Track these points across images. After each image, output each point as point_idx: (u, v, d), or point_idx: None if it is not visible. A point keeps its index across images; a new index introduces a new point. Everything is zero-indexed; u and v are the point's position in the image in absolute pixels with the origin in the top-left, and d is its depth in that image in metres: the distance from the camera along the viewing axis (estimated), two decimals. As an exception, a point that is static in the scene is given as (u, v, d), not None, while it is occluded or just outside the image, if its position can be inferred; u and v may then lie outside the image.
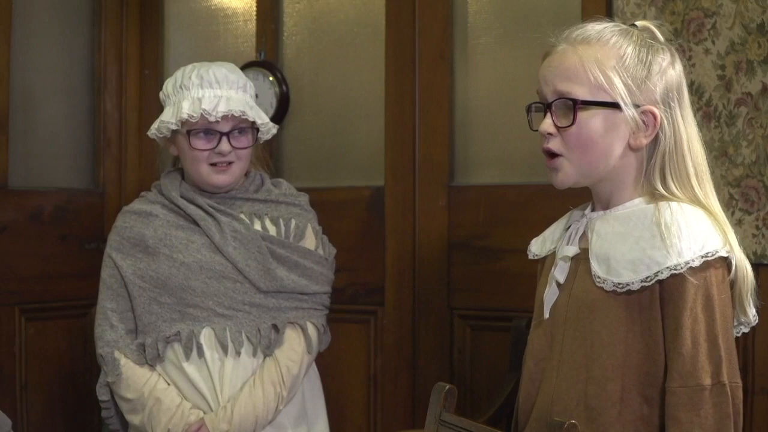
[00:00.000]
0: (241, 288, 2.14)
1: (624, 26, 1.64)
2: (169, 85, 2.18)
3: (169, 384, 2.13)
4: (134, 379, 2.12)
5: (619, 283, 1.56)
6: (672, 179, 1.60)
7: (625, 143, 1.61)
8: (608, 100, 1.58)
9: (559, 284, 1.69)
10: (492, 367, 2.47)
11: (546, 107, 1.64)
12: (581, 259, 1.65)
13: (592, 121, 1.59)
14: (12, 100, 2.70)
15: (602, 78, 1.58)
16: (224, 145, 2.13)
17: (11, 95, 2.70)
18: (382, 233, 2.66)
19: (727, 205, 2.16)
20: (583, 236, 1.68)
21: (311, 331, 2.20)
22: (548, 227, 1.83)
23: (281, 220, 2.22)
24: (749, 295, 1.60)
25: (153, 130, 2.17)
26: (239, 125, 2.15)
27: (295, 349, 2.16)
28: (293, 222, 2.22)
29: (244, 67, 2.84)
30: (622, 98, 1.58)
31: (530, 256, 1.83)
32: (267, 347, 2.13)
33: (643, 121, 1.60)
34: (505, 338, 2.23)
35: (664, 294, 1.54)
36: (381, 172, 2.69)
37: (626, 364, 1.56)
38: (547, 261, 1.78)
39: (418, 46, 2.62)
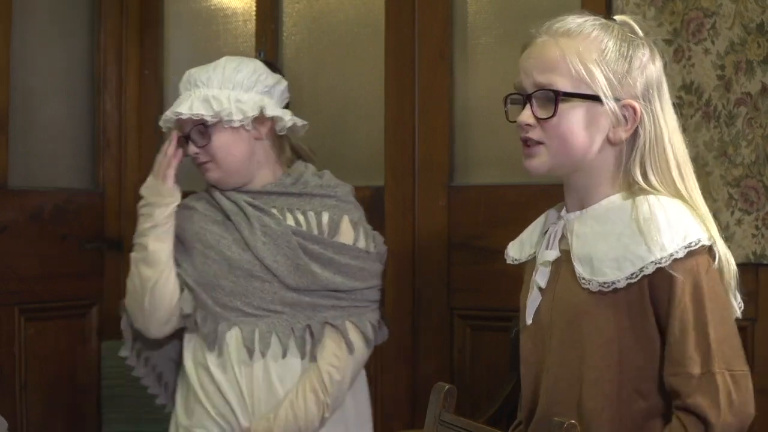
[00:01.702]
0: (270, 288, 2.07)
1: (604, 20, 1.63)
2: None
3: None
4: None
5: (604, 283, 1.55)
6: (653, 173, 1.59)
7: (605, 137, 1.60)
8: (589, 92, 1.58)
9: (541, 289, 1.68)
10: (492, 367, 2.46)
11: (525, 98, 1.63)
12: (562, 261, 1.64)
13: (573, 113, 1.59)
14: (12, 100, 2.71)
15: (584, 71, 1.58)
16: (189, 148, 2.11)
17: (11, 95, 2.70)
18: (382, 233, 2.64)
19: (727, 205, 2.16)
20: (563, 238, 1.66)
21: (352, 332, 2.10)
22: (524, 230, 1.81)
23: (312, 214, 2.12)
24: (733, 286, 1.59)
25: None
26: (198, 123, 2.09)
27: (337, 354, 2.08)
28: (326, 215, 2.12)
29: (244, 67, 2.84)
30: (603, 92, 1.58)
31: (508, 261, 1.80)
32: (302, 347, 2.06)
33: (624, 116, 1.59)
34: (505, 338, 2.23)
35: (655, 291, 1.53)
36: (381, 172, 2.68)
37: (621, 362, 1.55)
38: (527, 266, 1.76)
39: (418, 46, 2.62)
